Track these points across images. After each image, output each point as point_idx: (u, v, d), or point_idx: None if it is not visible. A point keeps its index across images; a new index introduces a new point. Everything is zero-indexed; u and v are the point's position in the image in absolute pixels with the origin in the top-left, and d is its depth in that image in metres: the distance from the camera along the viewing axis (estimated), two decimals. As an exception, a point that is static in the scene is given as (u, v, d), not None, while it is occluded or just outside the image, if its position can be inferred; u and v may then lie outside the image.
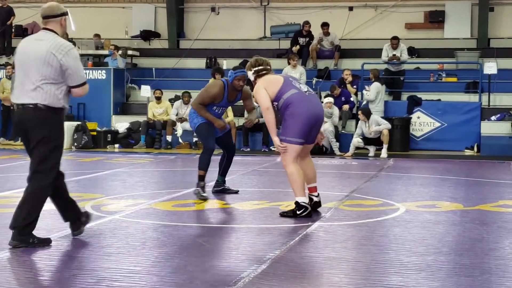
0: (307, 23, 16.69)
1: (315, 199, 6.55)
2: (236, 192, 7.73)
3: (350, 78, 15.00)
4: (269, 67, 6.54)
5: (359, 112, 13.36)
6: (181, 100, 14.67)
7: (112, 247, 5.08)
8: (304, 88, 6.44)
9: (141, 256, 4.80)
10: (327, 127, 13.37)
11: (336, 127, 13.76)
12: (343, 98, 14.53)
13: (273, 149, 14.11)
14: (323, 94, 14.81)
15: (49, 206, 6.80)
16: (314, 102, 6.39)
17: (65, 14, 5.21)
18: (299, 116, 6.23)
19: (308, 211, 6.25)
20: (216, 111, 7.50)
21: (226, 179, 7.79)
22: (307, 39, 16.72)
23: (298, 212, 6.22)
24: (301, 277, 4.33)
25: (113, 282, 4.11)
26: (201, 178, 7.39)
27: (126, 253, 4.88)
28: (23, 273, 4.32)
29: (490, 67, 14.68)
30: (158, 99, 14.93)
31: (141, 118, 15.02)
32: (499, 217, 6.51)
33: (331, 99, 13.88)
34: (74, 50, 5.13)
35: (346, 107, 14.39)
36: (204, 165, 7.40)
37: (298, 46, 16.53)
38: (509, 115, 14.13)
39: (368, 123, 13.24)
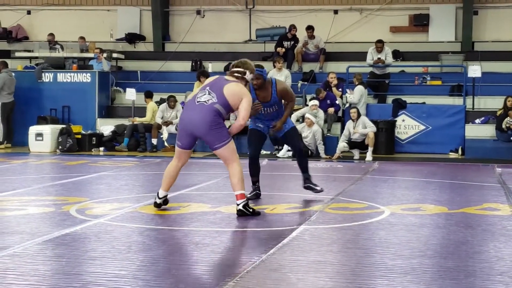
0: (294, 27, 16.71)
1: (158, 201, 6.86)
2: (320, 190, 7.72)
3: (335, 81, 15.05)
4: (237, 70, 6.78)
5: (354, 110, 13.42)
6: (166, 103, 14.64)
7: (97, 251, 5.05)
8: (205, 98, 6.59)
9: (126, 260, 4.78)
10: (315, 130, 13.41)
11: (322, 130, 13.79)
12: (328, 101, 14.57)
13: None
14: (308, 97, 14.85)
15: (34, 210, 6.78)
16: (195, 111, 6.60)
17: None
18: (179, 121, 6.89)
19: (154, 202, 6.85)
20: (261, 112, 7.48)
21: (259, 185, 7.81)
22: (292, 42, 16.74)
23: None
24: (287, 280, 4.33)
25: (98, 286, 4.09)
26: (252, 183, 7.68)
27: (111, 257, 4.86)
28: (5, 277, 4.29)
29: (475, 70, 14.78)
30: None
31: (126, 121, 14.97)
32: (483, 220, 6.55)
33: (316, 102, 13.92)
34: None
35: (331, 110, 14.43)
36: (250, 172, 7.69)
37: (283, 49, 16.54)
38: (493, 118, 14.22)
39: (356, 123, 13.32)
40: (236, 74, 6.76)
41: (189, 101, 6.80)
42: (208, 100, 6.59)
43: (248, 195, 7.48)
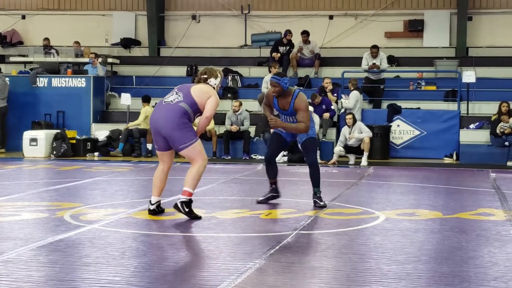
0: (289, 32, 16.73)
1: (151, 207, 6.83)
2: (323, 206, 7.49)
3: (330, 87, 15.07)
4: (202, 76, 6.82)
5: (349, 116, 13.43)
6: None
7: (91, 257, 5.03)
8: (171, 98, 6.64)
9: (120, 266, 4.77)
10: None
11: (317, 135, 13.79)
12: (323, 106, 14.59)
13: (254, 157, 14.14)
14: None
15: (27, 215, 6.75)
16: (161, 111, 6.64)
17: None
18: (149, 123, 6.86)
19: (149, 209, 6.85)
20: (283, 119, 7.54)
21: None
22: (288, 47, 16.75)
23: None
24: (282, 286, 4.32)
25: (92, 292, 4.08)
26: (270, 184, 7.81)
27: (105, 263, 4.84)
28: None
29: (469, 75, 14.82)
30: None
31: (121, 126, 14.95)
32: (478, 225, 6.56)
33: (310, 108, 13.89)
34: None
35: (326, 115, 14.44)
36: (267, 173, 7.80)
37: (278, 54, 16.54)
38: (487, 124, 14.25)
39: (352, 129, 13.35)
40: (200, 80, 6.79)
41: (157, 103, 6.83)
42: (174, 100, 6.62)
43: (261, 198, 7.77)
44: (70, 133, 14.61)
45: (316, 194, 7.58)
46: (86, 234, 5.88)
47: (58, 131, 14.56)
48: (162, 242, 5.67)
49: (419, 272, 4.69)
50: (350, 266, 4.89)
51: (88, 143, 14.68)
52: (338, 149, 13.39)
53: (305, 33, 16.83)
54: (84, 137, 14.84)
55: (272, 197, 7.81)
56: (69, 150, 14.29)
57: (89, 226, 6.22)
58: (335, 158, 13.33)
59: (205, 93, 6.63)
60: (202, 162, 6.59)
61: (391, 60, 16.62)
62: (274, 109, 7.62)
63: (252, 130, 14.62)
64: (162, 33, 19.00)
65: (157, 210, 6.86)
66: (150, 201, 6.86)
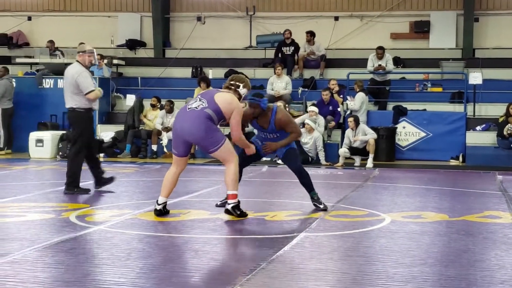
0: (286, 30, 16.67)
1: (158, 207, 6.86)
2: (323, 209, 7.35)
3: (336, 88, 15.04)
4: (231, 82, 6.88)
5: (351, 119, 13.40)
6: (164, 109, 14.65)
7: (97, 258, 5.03)
8: (195, 104, 6.66)
9: (125, 267, 4.76)
10: (316, 136, 13.40)
11: (322, 136, 13.78)
12: (330, 107, 14.55)
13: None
14: (308, 103, 14.84)
15: (33, 216, 6.76)
16: (186, 118, 6.66)
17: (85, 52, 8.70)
18: (172, 130, 6.97)
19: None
20: (262, 136, 7.46)
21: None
22: (292, 47, 16.71)
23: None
24: (287, 288, 4.31)
25: (97, 294, 4.08)
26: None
27: (111, 264, 4.84)
28: (5, 285, 4.27)
29: (475, 77, 14.78)
30: (153, 106, 14.91)
31: (119, 127, 14.95)
32: (484, 228, 6.53)
33: (315, 108, 13.89)
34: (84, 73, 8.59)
35: (331, 121, 14.29)
36: None
37: (281, 56, 16.48)
38: (494, 125, 14.20)
39: (355, 132, 13.33)
40: (230, 86, 6.84)
41: (180, 109, 6.86)
42: (198, 106, 6.65)
43: (219, 202, 7.48)
44: (75, 134, 14.59)
45: (314, 198, 7.46)
46: (91, 235, 5.88)
47: (64, 132, 14.57)
48: (167, 243, 5.66)
49: (425, 275, 4.67)
50: (356, 269, 4.87)
51: (94, 144, 14.68)
52: (343, 150, 13.37)
53: (309, 33, 16.79)
54: (89, 138, 14.83)
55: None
56: (75, 151, 14.27)
57: (95, 227, 6.22)
58: (341, 160, 13.30)
59: (229, 102, 6.68)
60: (234, 162, 6.71)
61: (397, 61, 16.60)
62: (250, 126, 7.52)
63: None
64: (167, 35, 19.01)
65: (163, 211, 6.86)
66: (157, 201, 6.87)
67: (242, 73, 16.71)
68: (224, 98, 6.70)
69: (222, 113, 6.65)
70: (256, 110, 7.22)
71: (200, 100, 6.70)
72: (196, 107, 6.65)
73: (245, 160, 7.36)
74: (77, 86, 8.54)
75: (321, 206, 7.40)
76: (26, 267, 4.73)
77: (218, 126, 6.76)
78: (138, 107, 15.02)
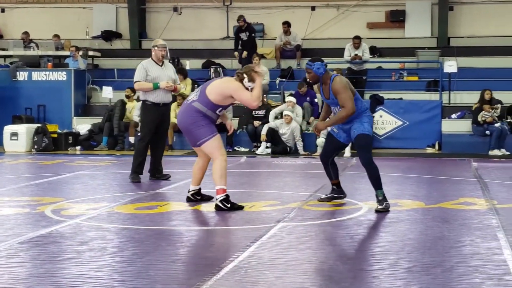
0: (240, 17, 16.58)
1: (188, 194, 7.19)
2: (380, 210, 6.64)
3: (313, 78, 15.02)
4: (238, 71, 6.95)
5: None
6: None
7: (72, 252, 4.99)
8: (190, 96, 6.92)
9: (102, 261, 4.73)
10: (294, 126, 13.41)
11: (300, 126, 13.79)
12: (308, 98, 14.56)
13: (237, 149, 14.11)
14: (286, 93, 14.84)
15: (8, 211, 6.68)
16: (181, 111, 6.95)
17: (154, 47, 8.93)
18: None
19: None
20: (333, 110, 7.02)
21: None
22: (247, 32, 16.56)
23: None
24: (265, 279, 4.31)
25: (73, 288, 4.04)
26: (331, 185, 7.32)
27: (87, 258, 4.80)
28: (-20, 280, 4.22)
29: (450, 65, 14.88)
30: (128, 97, 14.80)
31: (102, 120, 14.82)
32: (460, 214, 6.58)
33: (292, 99, 13.90)
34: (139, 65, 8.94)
35: (306, 104, 14.32)
36: (327, 176, 7.32)
37: (244, 52, 16.35)
38: (469, 113, 14.32)
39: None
40: (237, 75, 6.88)
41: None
42: (190, 99, 6.87)
43: (323, 197, 7.31)
44: (51, 127, 14.49)
45: (378, 198, 6.72)
46: (67, 229, 5.84)
47: (39, 125, 14.43)
48: (144, 236, 5.63)
49: (401, 262, 4.70)
50: (333, 258, 4.89)
51: (70, 137, 14.58)
52: (321, 140, 13.37)
53: (286, 24, 16.78)
54: (65, 131, 14.73)
55: (333, 198, 7.23)
56: (51, 144, 14.17)
57: (71, 221, 6.17)
58: (319, 150, 13.32)
59: (219, 94, 6.72)
60: (220, 157, 6.76)
61: (373, 51, 16.65)
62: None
63: (235, 122, 14.58)
64: (143, 26, 18.89)
65: (192, 198, 7.15)
66: (189, 189, 7.23)
67: (219, 64, 16.79)
68: (214, 86, 6.78)
69: (214, 103, 6.72)
70: (309, 76, 6.80)
71: (195, 93, 6.89)
72: (188, 100, 6.87)
73: (328, 152, 7.05)
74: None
75: (380, 207, 6.64)
76: (1, 262, 4.67)
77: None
78: (120, 109, 14.64)
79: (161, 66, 9.00)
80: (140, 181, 8.93)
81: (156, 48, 8.96)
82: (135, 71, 9.14)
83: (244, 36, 16.46)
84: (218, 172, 6.73)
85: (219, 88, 6.77)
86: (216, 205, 6.72)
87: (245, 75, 6.79)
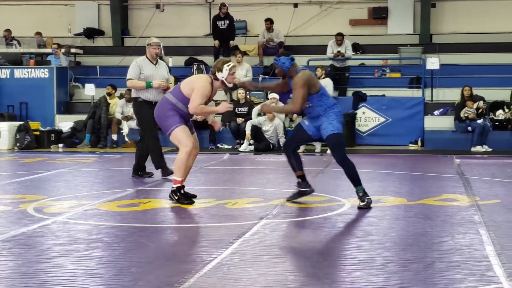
0: (224, 5, 16.53)
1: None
2: (363, 207, 6.64)
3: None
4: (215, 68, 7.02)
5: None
6: (124, 98, 14.49)
7: (55, 250, 4.97)
8: (170, 90, 7.24)
9: (84, 258, 4.71)
10: (277, 123, 13.42)
11: (283, 123, 13.80)
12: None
13: (220, 146, 14.09)
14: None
15: (-11, 209, 6.63)
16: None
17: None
18: None
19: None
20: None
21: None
22: (227, 21, 16.53)
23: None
24: (247, 275, 4.32)
25: (56, 286, 4.03)
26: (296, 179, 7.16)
27: (69, 255, 4.78)
28: (-39, 279, 4.19)
29: (433, 62, 14.94)
30: (109, 95, 14.73)
31: (86, 117, 14.74)
32: (442, 211, 6.63)
33: (275, 95, 13.88)
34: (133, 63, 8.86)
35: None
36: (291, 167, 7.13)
37: (217, 42, 16.36)
38: (451, 110, 14.41)
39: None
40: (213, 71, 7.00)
41: None
42: (168, 92, 7.16)
43: (290, 196, 7.07)
44: (33, 125, 14.40)
45: (359, 194, 6.70)
46: (49, 226, 5.80)
47: (21, 122, 14.33)
48: (126, 233, 5.61)
49: (384, 258, 4.72)
50: (316, 254, 4.90)
51: (52, 135, 14.48)
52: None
53: (269, 21, 16.79)
54: (48, 128, 14.63)
55: (301, 193, 7.00)
56: (33, 142, 14.08)
57: (53, 218, 6.14)
58: (302, 147, 13.34)
59: (188, 87, 6.87)
60: (182, 148, 6.91)
61: (356, 47, 16.69)
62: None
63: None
64: (125, 23, 18.79)
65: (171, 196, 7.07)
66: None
67: (202, 61, 16.75)
68: (188, 80, 6.99)
69: (186, 97, 6.85)
70: (277, 70, 6.84)
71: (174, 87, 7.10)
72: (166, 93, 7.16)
73: (292, 141, 7.00)
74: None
75: (362, 204, 6.64)
76: (-18, 260, 4.64)
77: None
78: (105, 105, 14.60)
79: (155, 64, 8.93)
80: (171, 173, 8.31)
81: (150, 46, 8.91)
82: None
83: (221, 24, 16.43)
84: (177, 164, 6.91)
85: (191, 82, 6.94)
86: (169, 194, 6.97)
87: (216, 69, 6.94)
